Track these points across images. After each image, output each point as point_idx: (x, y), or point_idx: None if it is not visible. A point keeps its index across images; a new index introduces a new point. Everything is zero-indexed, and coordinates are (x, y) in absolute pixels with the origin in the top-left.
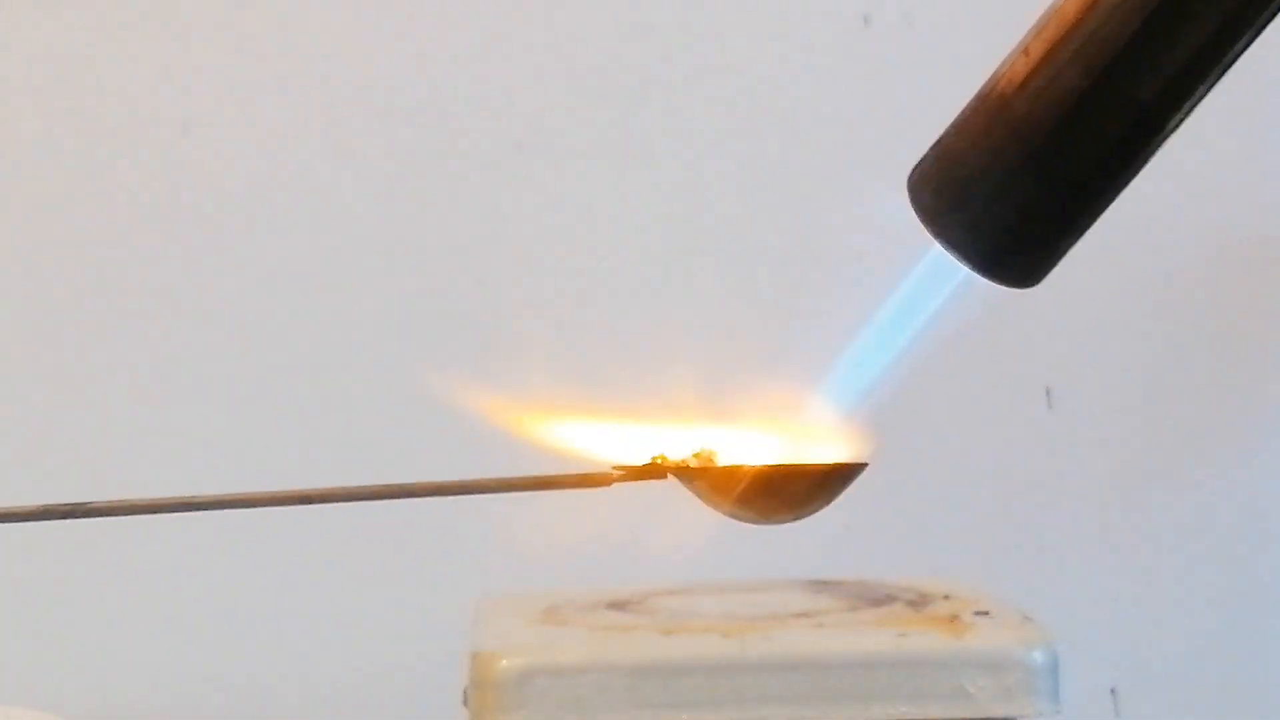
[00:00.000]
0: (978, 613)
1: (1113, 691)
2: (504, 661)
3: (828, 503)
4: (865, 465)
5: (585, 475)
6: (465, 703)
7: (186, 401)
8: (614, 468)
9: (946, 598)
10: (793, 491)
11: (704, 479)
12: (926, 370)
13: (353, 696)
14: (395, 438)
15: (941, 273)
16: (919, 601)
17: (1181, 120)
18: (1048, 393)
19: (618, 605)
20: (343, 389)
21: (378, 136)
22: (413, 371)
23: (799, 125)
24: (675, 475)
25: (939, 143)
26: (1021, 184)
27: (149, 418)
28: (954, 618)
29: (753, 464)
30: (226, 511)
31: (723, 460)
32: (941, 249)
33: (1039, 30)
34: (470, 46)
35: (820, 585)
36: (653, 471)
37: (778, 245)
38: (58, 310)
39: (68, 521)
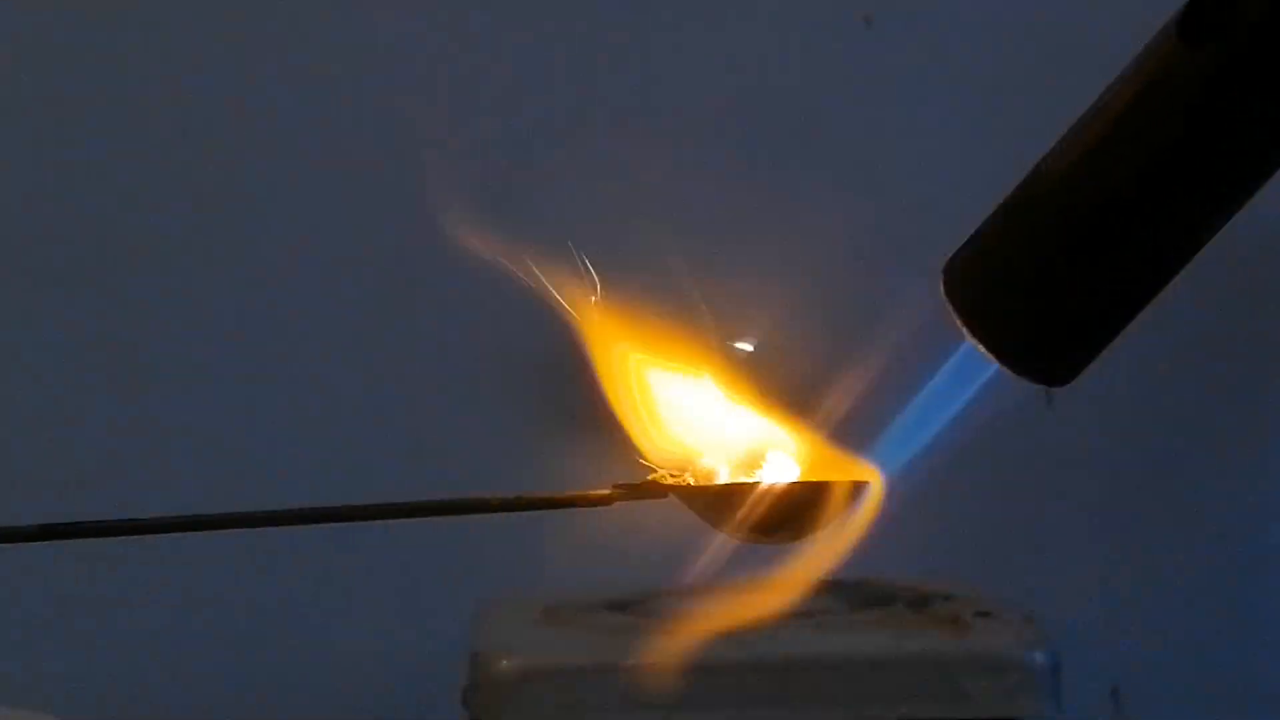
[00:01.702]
0: (978, 613)
1: (1113, 691)
2: (504, 662)
3: (831, 522)
4: (868, 484)
5: (584, 494)
6: (465, 703)
7: (189, 413)
8: (613, 487)
9: (947, 598)
10: (795, 510)
11: (704, 498)
12: (927, 371)
13: (354, 696)
14: (396, 452)
15: (972, 368)
16: (919, 602)
17: (1223, 225)
18: (1048, 393)
19: (617, 606)
20: (342, 400)
21: (376, 138)
22: (415, 384)
23: (800, 125)
24: (675, 494)
25: (974, 239)
26: (1056, 286)
27: (153, 431)
28: (955, 618)
29: (753, 482)
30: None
31: (722, 479)
32: (972, 344)
33: (1078, 131)
34: (470, 47)
35: (820, 585)
36: (652, 490)
37: (778, 245)
38: (47, 323)
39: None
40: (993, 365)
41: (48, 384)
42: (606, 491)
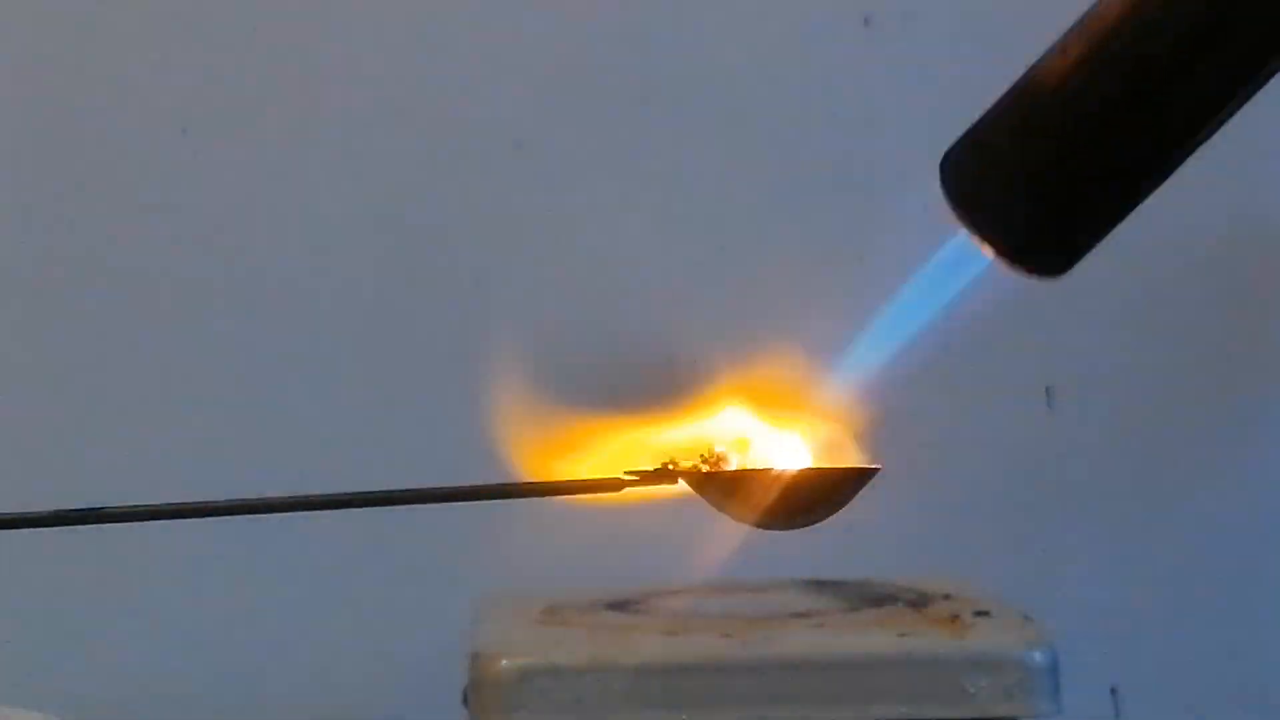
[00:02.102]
0: (978, 613)
1: (1113, 691)
2: (504, 661)
3: (840, 507)
4: (878, 470)
5: (596, 481)
6: (465, 703)
7: (187, 405)
8: (625, 473)
9: (947, 598)
10: (805, 496)
11: (715, 484)
12: (927, 371)
13: (353, 696)
14: (400, 441)
15: (964, 260)
16: (919, 601)
17: (1216, 128)
18: (1048, 393)
19: (618, 605)
20: (343, 391)
21: (376, 138)
22: (412, 374)
23: (799, 125)
24: (687, 481)
25: (972, 131)
26: (1052, 180)
27: (151, 422)
28: (954, 618)
29: (765, 468)
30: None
31: (734, 465)
32: (966, 236)
33: (1079, 30)
34: (471, 47)
35: (820, 585)
36: (664, 477)
37: (778, 245)
38: (58, 313)
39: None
40: (985, 258)
41: (56, 378)
42: (617, 478)
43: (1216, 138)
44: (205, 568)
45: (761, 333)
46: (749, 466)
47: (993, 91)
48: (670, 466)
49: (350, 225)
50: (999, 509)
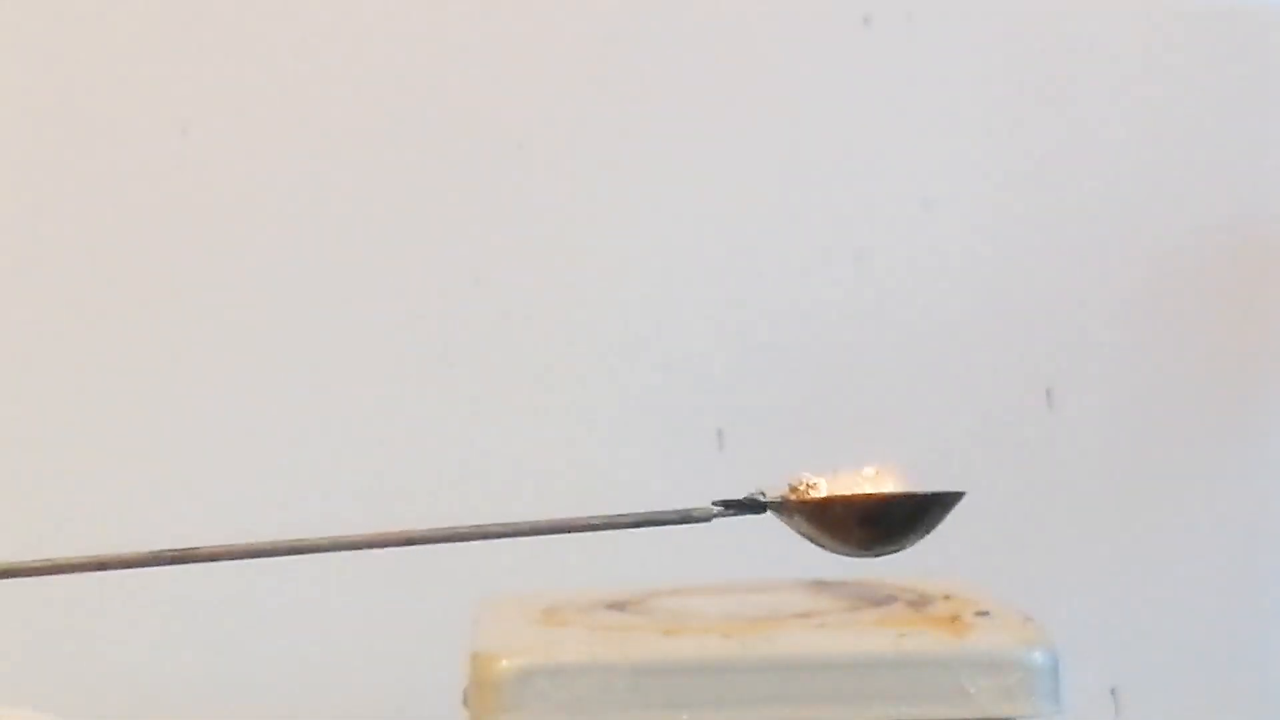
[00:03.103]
0: (978, 613)
1: (1113, 691)
2: (504, 661)
3: (926, 533)
4: (963, 494)
5: (685, 512)
6: (465, 703)
7: (184, 407)
8: (713, 504)
9: (947, 598)
10: (891, 522)
11: (802, 513)
12: (927, 370)
13: (353, 696)
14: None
15: None
16: (919, 602)
17: None
18: (1048, 393)
19: (618, 605)
20: (343, 390)
21: (377, 138)
22: (410, 374)
23: (799, 124)
24: (775, 511)
25: None
26: None
27: (145, 432)
28: (954, 618)
29: (852, 495)
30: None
31: (820, 494)
32: None
33: None
34: (471, 47)
35: (820, 585)
36: (752, 507)
37: (778, 243)
38: (53, 309)
39: (60, 524)
40: None
41: (50, 379)
42: (705, 508)
43: (1217, 137)
44: (205, 568)
45: (760, 329)
46: (836, 494)
47: (992, 91)
48: (759, 497)
49: (350, 225)
50: (999, 509)
